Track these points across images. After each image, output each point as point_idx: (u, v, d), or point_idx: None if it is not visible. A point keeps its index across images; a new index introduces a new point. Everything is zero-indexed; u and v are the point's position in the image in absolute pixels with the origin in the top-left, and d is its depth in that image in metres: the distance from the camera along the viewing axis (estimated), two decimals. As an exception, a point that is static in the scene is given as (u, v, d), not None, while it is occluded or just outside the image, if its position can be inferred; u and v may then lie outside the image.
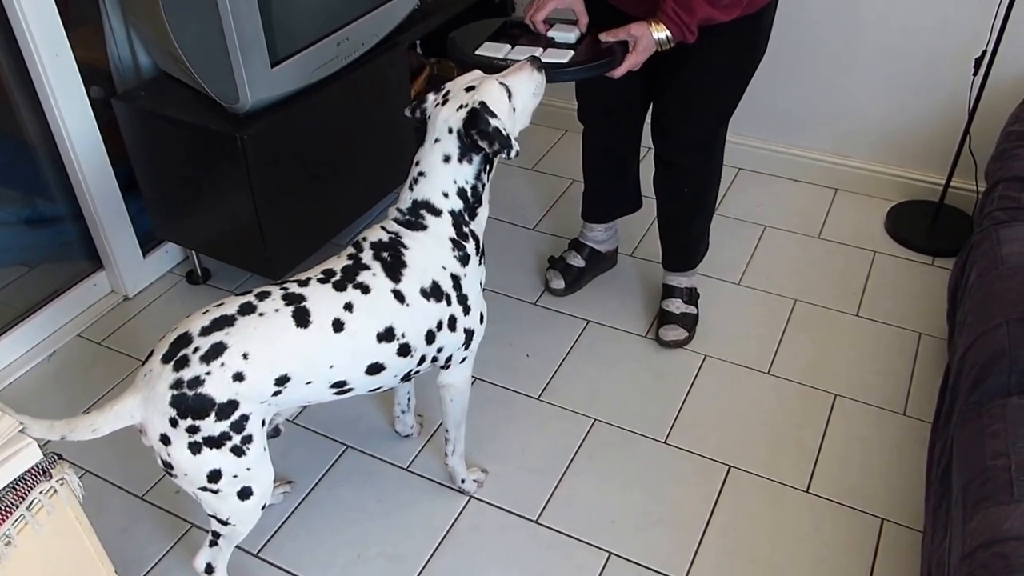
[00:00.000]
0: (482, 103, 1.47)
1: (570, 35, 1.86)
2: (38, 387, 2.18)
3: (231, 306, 1.39)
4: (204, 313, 1.39)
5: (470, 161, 1.51)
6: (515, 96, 1.53)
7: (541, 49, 1.79)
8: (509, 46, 1.82)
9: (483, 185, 1.55)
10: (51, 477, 1.17)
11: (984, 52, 2.24)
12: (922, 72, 2.48)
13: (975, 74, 2.28)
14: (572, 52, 1.79)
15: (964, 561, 1.25)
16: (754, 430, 2.01)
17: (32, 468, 1.16)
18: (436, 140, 1.50)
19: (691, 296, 2.26)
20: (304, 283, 1.45)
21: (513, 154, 1.49)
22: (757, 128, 2.76)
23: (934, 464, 1.62)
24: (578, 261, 2.40)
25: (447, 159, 1.50)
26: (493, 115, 1.47)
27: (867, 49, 2.52)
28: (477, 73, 1.56)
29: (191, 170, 2.18)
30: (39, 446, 1.17)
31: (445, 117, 1.49)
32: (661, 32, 1.71)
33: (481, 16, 2.83)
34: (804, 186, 2.80)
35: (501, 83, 1.52)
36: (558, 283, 2.38)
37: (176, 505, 1.88)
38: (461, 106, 1.48)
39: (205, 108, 2.08)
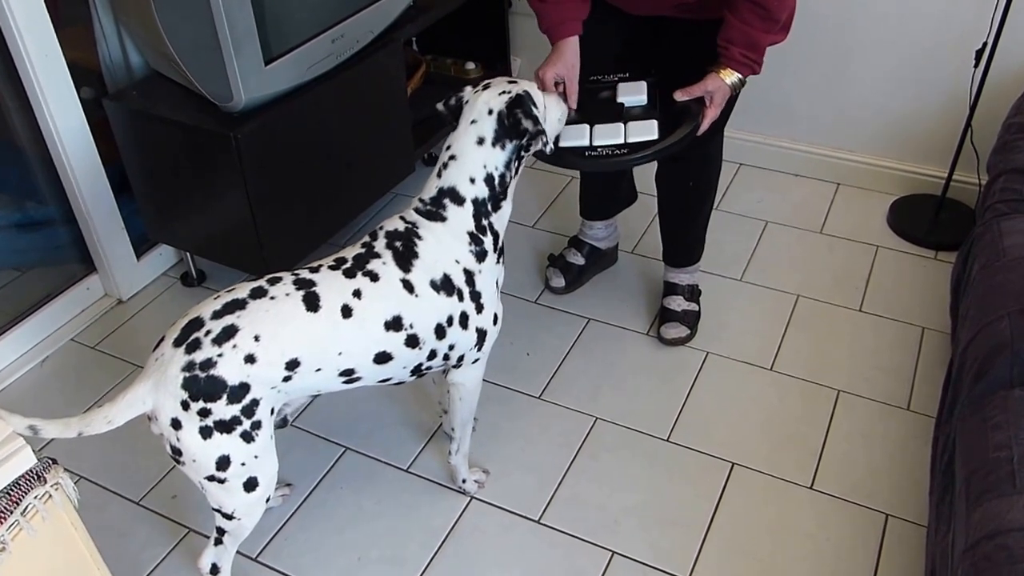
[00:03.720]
0: (527, 91, 1.55)
1: (641, 97, 1.84)
2: (31, 393, 2.16)
3: (242, 290, 1.41)
4: (215, 298, 1.40)
5: (503, 147, 1.53)
6: (547, 110, 1.62)
7: (622, 125, 1.78)
8: (587, 126, 1.79)
9: (511, 177, 1.57)
10: (46, 482, 1.16)
11: (985, 44, 2.23)
12: (923, 65, 2.48)
13: (976, 66, 2.27)
14: (655, 122, 1.78)
15: (967, 553, 1.24)
16: (757, 427, 1.99)
17: (26, 473, 1.14)
18: (472, 121, 1.53)
19: (692, 293, 2.25)
20: (315, 269, 1.47)
21: (548, 148, 1.55)
22: (758, 123, 2.75)
23: (938, 458, 1.62)
24: (578, 259, 2.38)
25: (481, 141, 1.52)
26: (535, 104, 1.55)
27: (867, 43, 2.51)
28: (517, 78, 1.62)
29: (184, 171, 2.16)
30: (33, 451, 1.15)
31: (486, 99, 1.54)
32: (732, 77, 1.75)
33: (478, 13, 2.83)
34: (805, 181, 2.79)
35: (541, 91, 1.61)
36: (558, 281, 2.37)
37: (173, 510, 1.86)
38: (504, 92, 1.54)
39: (198, 107, 2.06)
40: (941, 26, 2.39)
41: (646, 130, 1.76)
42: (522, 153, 1.57)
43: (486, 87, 1.56)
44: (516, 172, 1.59)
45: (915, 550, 1.71)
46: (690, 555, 1.73)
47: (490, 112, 1.52)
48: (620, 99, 1.84)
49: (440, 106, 1.60)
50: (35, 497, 1.14)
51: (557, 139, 1.73)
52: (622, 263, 2.49)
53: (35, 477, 1.15)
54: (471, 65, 2.96)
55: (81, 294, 2.39)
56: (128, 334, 2.34)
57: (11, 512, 1.12)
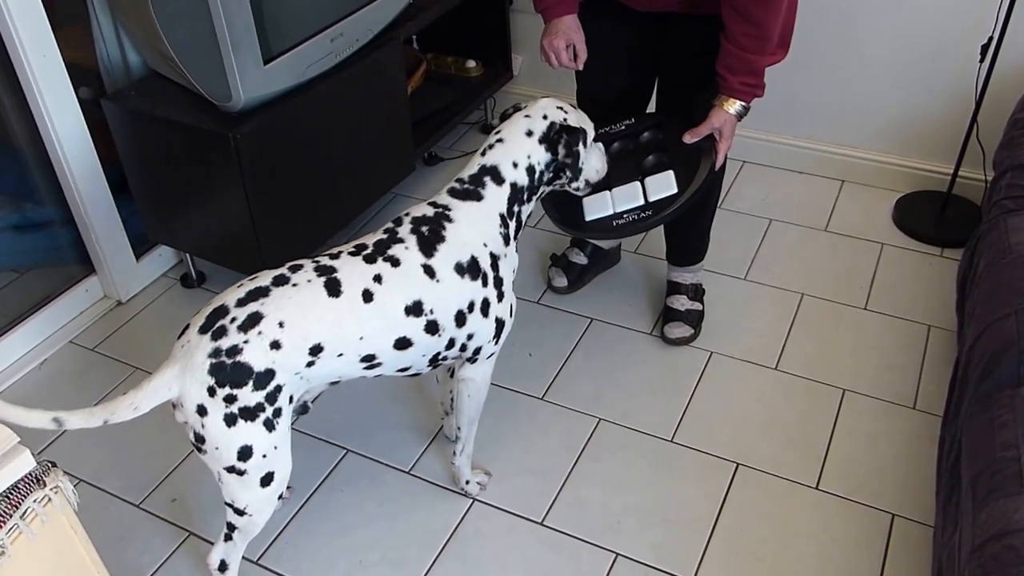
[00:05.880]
0: (586, 132, 1.62)
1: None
2: (30, 396, 2.15)
3: (265, 278, 1.42)
4: (239, 287, 1.41)
5: (546, 149, 1.59)
6: (591, 151, 1.67)
7: (639, 184, 1.82)
8: (608, 193, 1.83)
9: (546, 180, 1.62)
10: (45, 485, 1.15)
11: (990, 39, 2.22)
12: (928, 60, 2.46)
13: (981, 61, 2.25)
14: (671, 172, 1.81)
15: (974, 554, 1.23)
16: (761, 427, 1.98)
17: (25, 476, 1.13)
18: (527, 116, 1.60)
19: (696, 292, 2.23)
20: (335, 256, 1.48)
21: (573, 186, 1.64)
22: (761, 120, 2.73)
23: (944, 457, 1.61)
24: (580, 258, 2.37)
25: (529, 133, 1.58)
26: (584, 144, 1.60)
27: (872, 38, 2.50)
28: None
29: (183, 171, 2.15)
30: (32, 454, 1.14)
31: (545, 106, 1.61)
32: (735, 106, 1.78)
33: (478, 6, 2.82)
34: (810, 178, 2.78)
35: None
36: (561, 281, 2.35)
37: (173, 513, 1.85)
38: (564, 111, 1.61)
39: (197, 107, 2.04)
40: (946, 21, 2.38)
41: (664, 184, 1.80)
42: (549, 174, 1.62)
43: (547, 97, 1.64)
44: (547, 184, 1.63)
45: (922, 551, 1.70)
46: (694, 556, 1.72)
47: (545, 117, 1.59)
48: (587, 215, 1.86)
49: (496, 123, 1.66)
50: (34, 501, 1.13)
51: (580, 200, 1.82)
52: (625, 262, 2.48)
53: (34, 480, 1.14)
54: (472, 63, 2.94)
55: (80, 296, 2.38)
56: (128, 336, 2.33)
57: (10, 516, 1.11)
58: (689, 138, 1.82)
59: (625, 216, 1.79)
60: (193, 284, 2.47)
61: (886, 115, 2.61)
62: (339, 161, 2.29)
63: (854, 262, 2.43)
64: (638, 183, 1.82)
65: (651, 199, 1.79)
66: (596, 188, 1.80)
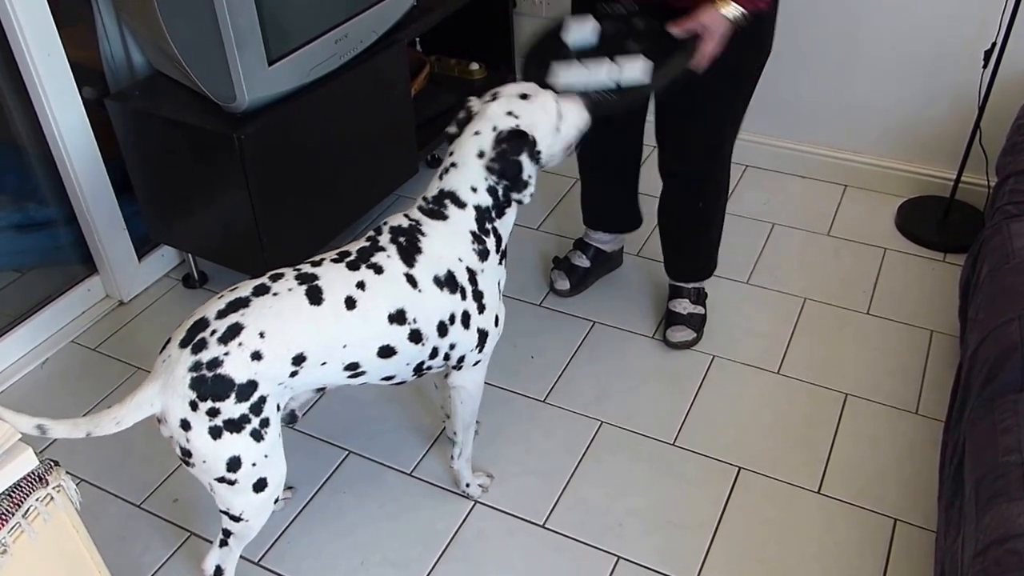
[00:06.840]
0: (534, 139, 1.49)
1: (588, 37, 1.74)
2: (31, 395, 2.15)
3: (245, 289, 1.40)
4: (219, 298, 1.40)
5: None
6: (564, 120, 1.55)
7: (615, 66, 1.66)
8: (582, 67, 1.68)
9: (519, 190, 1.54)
10: (47, 484, 1.15)
11: (993, 44, 2.22)
12: (931, 66, 2.46)
13: (984, 67, 2.26)
14: (642, 58, 1.66)
15: (977, 559, 1.23)
16: (764, 431, 1.98)
17: (28, 475, 1.13)
18: (476, 133, 1.50)
19: (698, 296, 2.23)
20: (317, 264, 1.46)
21: (524, 198, 1.52)
22: (764, 124, 2.73)
23: (947, 462, 1.61)
24: (583, 261, 2.37)
25: (481, 155, 1.49)
26: (534, 154, 1.49)
27: (875, 43, 2.50)
28: (532, 85, 1.55)
29: (187, 171, 2.15)
30: (35, 453, 1.14)
31: (493, 114, 1.50)
32: (730, 8, 1.60)
33: (482, 9, 2.82)
34: (812, 183, 2.78)
35: (556, 101, 1.53)
36: (563, 284, 2.35)
37: (174, 513, 1.85)
38: (512, 114, 1.49)
39: (201, 108, 2.04)
40: (949, 26, 2.38)
41: (637, 72, 1.65)
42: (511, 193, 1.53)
43: (494, 97, 1.53)
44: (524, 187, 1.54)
45: (924, 555, 1.70)
46: (696, 559, 1.72)
47: (494, 129, 1.49)
48: (568, 40, 1.73)
49: (452, 129, 1.55)
50: (37, 499, 1.13)
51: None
52: (627, 266, 2.48)
53: (37, 479, 1.14)
54: (475, 66, 2.94)
55: (82, 295, 2.38)
56: (129, 336, 2.33)
57: (12, 514, 1.10)
58: (674, 28, 1.66)
59: (592, 95, 1.64)
60: (195, 284, 2.47)
61: (889, 120, 2.61)
62: (342, 163, 2.29)
63: (857, 267, 2.43)
64: (614, 64, 1.67)
65: (623, 84, 1.65)
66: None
